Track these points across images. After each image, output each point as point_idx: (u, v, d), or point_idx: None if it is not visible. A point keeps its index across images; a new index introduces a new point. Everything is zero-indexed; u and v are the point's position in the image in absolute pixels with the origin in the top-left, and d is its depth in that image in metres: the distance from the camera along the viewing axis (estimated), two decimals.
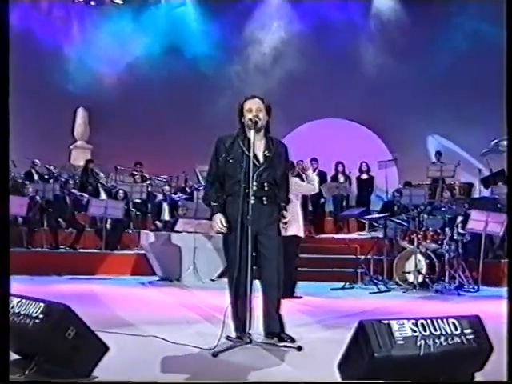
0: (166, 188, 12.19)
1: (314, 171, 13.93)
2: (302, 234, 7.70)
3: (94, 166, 13.38)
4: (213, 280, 9.96)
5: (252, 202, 4.48)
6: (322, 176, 13.92)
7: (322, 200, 13.50)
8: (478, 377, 3.38)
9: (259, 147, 4.64)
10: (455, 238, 9.54)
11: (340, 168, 13.89)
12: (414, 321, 3.27)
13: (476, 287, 9.06)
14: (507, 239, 8.88)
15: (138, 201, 12.61)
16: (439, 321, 3.33)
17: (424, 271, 9.18)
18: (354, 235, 9.87)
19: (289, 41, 16.94)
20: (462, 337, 3.30)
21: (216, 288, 9.03)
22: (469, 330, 3.34)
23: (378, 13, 16.46)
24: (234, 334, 4.67)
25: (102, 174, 13.00)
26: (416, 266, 9.16)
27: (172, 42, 16.75)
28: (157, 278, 9.97)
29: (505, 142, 14.98)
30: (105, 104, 15.65)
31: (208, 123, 15.86)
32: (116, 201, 11.47)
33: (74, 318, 3.32)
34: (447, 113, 15.02)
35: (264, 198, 4.59)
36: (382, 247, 9.99)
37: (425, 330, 3.24)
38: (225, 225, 4.59)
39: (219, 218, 4.61)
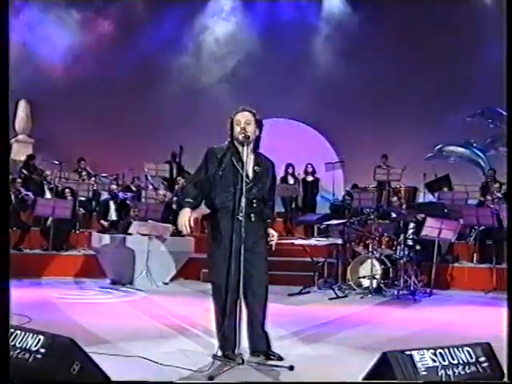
0: (113, 186, 11.80)
1: None
2: None
3: (37, 162, 12.81)
4: (166, 283, 9.82)
5: (240, 218, 4.35)
6: None
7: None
8: None
9: (248, 162, 4.51)
10: (409, 243, 9.71)
11: (290, 170, 13.88)
12: (432, 350, 3.24)
13: (429, 291, 9.25)
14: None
15: (83, 199, 12.18)
16: (455, 349, 3.32)
17: (379, 276, 9.31)
18: (313, 241, 9.85)
19: (238, 41, 16.76)
20: (478, 365, 3.31)
21: (171, 292, 8.97)
22: (483, 358, 3.35)
23: (330, 14, 16.52)
24: (219, 353, 4.52)
25: (47, 172, 12.44)
26: (371, 271, 9.27)
27: (120, 34, 16.24)
28: (108, 281, 9.68)
29: (449, 148, 15.47)
30: (48, 97, 15.02)
31: (155, 118, 15.56)
32: (65, 200, 11.02)
33: (78, 352, 3.09)
34: (394, 116, 15.24)
35: (252, 215, 4.48)
36: (333, 252, 10.04)
37: (444, 360, 3.22)
38: (191, 225, 4.42)
39: (188, 215, 4.40)
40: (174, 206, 12.38)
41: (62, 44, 16.02)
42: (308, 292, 9.14)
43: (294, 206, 13.52)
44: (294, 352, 4.91)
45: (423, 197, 13.82)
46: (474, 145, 15.39)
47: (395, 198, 12.06)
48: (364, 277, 9.56)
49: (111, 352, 4.56)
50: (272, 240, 4.65)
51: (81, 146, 14.48)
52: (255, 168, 4.53)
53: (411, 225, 10.22)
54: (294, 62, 15.95)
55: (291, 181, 13.81)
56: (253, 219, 4.47)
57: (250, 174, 4.49)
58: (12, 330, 3.18)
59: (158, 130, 15.44)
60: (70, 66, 16.04)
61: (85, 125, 14.92)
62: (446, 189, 12.96)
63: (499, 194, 11.97)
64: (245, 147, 4.42)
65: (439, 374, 3.15)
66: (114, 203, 11.34)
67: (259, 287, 4.52)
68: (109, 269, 9.66)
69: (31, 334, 3.12)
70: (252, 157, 4.56)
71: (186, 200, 4.48)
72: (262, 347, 4.58)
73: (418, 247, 9.82)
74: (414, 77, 15.12)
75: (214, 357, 4.49)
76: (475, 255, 10.97)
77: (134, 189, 13.08)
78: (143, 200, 12.23)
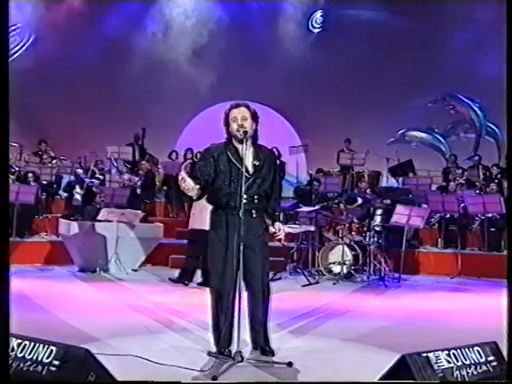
0: (79, 171, 11.51)
1: None
2: None
3: None
4: (135, 270, 9.71)
5: (241, 215, 4.29)
6: None
7: None
8: None
9: (248, 157, 4.43)
10: (378, 229, 9.81)
11: None
12: (447, 351, 3.29)
13: (398, 276, 9.40)
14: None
15: (44, 182, 11.85)
16: (467, 350, 3.37)
17: (349, 262, 9.41)
18: (286, 228, 9.84)
19: (203, 20, 16.49)
20: (488, 364, 3.38)
21: (144, 280, 8.88)
22: (492, 357, 3.42)
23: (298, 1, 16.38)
24: (214, 349, 4.49)
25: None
26: (342, 257, 9.36)
27: (82, 11, 15.73)
28: (76, 269, 9.48)
29: (412, 133, 15.68)
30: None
31: (118, 98, 15.22)
32: (28, 185, 10.68)
33: (93, 362, 2.98)
34: (357, 101, 15.32)
35: (253, 211, 4.43)
36: (303, 237, 10.07)
37: (457, 361, 3.28)
38: (191, 185, 4.29)
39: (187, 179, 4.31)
40: (139, 191, 12.21)
41: (24, 27, 15.44)
42: (279, 278, 9.15)
43: None
44: (286, 346, 4.91)
45: (386, 181, 13.98)
46: (436, 130, 15.64)
47: (364, 184, 12.17)
48: (334, 263, 9.65)
49: (103, 350, 4.44)
50: (279, 234, 4.58)
51: (41, 127, 14.05)
52: (254, 162, 4.45)
53: (378, 211, 10.31)
54: (261, 45, 15.79)
55: None
56: (254, 215, 4.41)
57: (250, 169, 4.42)
58: (20, 341, 3.04)
59: (120, 110, 15.11)
60: (31, 44, 15.49)
61: (45, 105, 14.46)
62: (410, 174, 13.14)
63: (462, 180, 12.23)
64: (244, 144, 4.35)
65: (455, 375, 3.19)
66: (80, 188, 11.07)
67: (258, 284, 4.48)
68: (77, 256, 9.46)
69: (42, 345, 2.99)
70: (251, 150, 4.47)
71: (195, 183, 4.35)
72: (260, 343, 4.57)
73: (386, 233, 9.94)
74: (377, 62, 15.18)
75: (210, 353, 4.46)
76: (439, 240, 11.20)
77: (97, 172, 12.79)
78: (107, 184, 11.98)
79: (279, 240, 4.76)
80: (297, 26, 16.10)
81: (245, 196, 4.32)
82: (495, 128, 15.19)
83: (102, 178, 12.32)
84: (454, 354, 3.28)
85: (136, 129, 14.47)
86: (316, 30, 16.16)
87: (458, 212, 10.68)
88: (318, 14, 15.94)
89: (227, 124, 4.48)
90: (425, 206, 11.07)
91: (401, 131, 15.54)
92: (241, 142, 4.38)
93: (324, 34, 15.65)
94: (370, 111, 14.96)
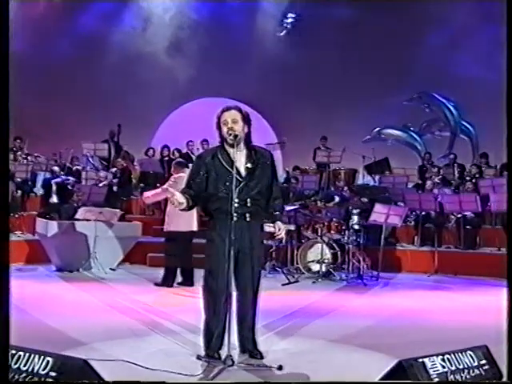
0: (56, 168, 11.35)
1: None
2: (196, 228, 8.04)
3: None
4: (113, 269, 9.65)
5: (235, 219, 4.28)
6: None
7: None
8: None
9: (240, 160, 4.41)
10: (356, 228, 9.87)
11: None
12: (441, 356, 3.32)
13: (376, 275, 9.48)
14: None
15: (19, 180, 11.66)
16: (459, 354, 3.41)
17: (328, 261, 9.47)
18: (266, 227, 9.85)
19: (181, 17, 16.37)
20: (480, 368, 3.43)
21: (124, 280, 8.83)
22: (484, 361, 3.47)
23: None
24: (202, 352, 4.47)
25: None
26: (321, 255, 9.41)
27: (58, 5, 15.48)
28: (54, 268, 9.38)
29: (387, 131, 15.79)
30: None
31: (94, 93, 15.04)
32: None
33: (91, 373, 2.94)
34: (334, 98, 15.38)
35: (247, 215, 4.38)
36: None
37: (451, 365, 3.32)
38: (180, 201, 4.30)
39: (178, 194, 4.32)
40: (115, 188, 12.11)
41: None
42: None
43: None
44: (274, 348, 4.90)
45: (362, 179, 14.06)
46: (411, 128, 15.78)
47: (341, 182, 12.23)
48: (313, 261, 9.70)
49: (92, 355, 4.38)
50: (279, 234, 4.54)
51: (15, 123, 13.77)
52: (247, 165, 4.40)
53: (356, 210, 10.36)
54: (239, 42, 15.74)
55: None
56: (248, 219, 4.37)
57: (242, 172, 4.37)
58: (14, 352, 2.98)
59: (96, 106, 14.94)
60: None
61: (19, 101, 14.16)
62: (387, 172, 13.24)
63: (437, 180, 12.35)
64: (235, 147, 4.33)
65: (449, 379, 3.23)
66: (56, 186, 10.92)
67: (248, 289, 4.46)
68: (55, 255, 9.36)
69: (37, 356, 2.93)
70: (244, 153, 4.43)
71: (185, 195, 4.37)
72: (248, 346, 4.57)
73: (364, 231, 10.01)
74: (353, 61, 15.27)
75: (199, 357, 4.45)
76: (416, 238, 11.32)
77: (73, 169, 12.64)
78: (83, 182, 11.86)
79: (280, 240, 4.73)
80: (275, 24, 16.07)
81: (237, 200, 4.30)
82: (469, 127, 15.38)
83: (77, 175, 12.18)
84: (448, 359, 3.32)
85: (112, 125, 14.33)
86: (288, 28, 16.11)
87: (434, 210, 10.81)
88: (293, 14, 15.91)
89: (219, 128, 4.44)
90: (401, 204, 11.19)
91: (376, 129, 15.65)
92: (232, 145, 4.35)
93: (301, 33, 15.62)
94: (346, 109, 15.04)
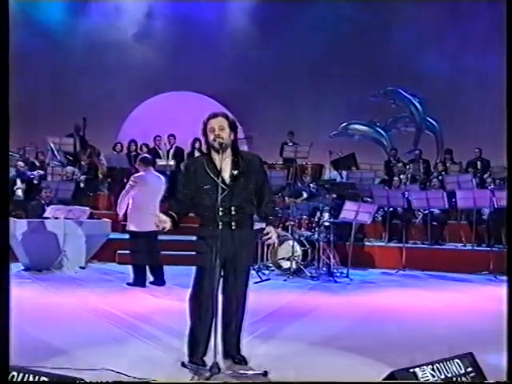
0: (20, 163, 11.11)
1: (171, 148, 13.72)
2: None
3: None
4: (83, 268, 9.54)
5: (220, 227, 4.28)
6: (180, 153, 13.72)
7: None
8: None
9: (226, 167, 4.38)
10: (327, 225, 9.96)
11: (197, 145, 13.71)
12: (431, 366, 3.38)
13: (346, 271, 9.59)
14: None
15: None
16: (448, 363, 3.48)
17: (298, 258, 9.52)
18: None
19: (148, 10, 16.16)
20: (467, 376, 3.51)
21: (95, 279, 8.75)
22: (470, 369, 3.55)
23: None
24: (186, 359, 4.47)
25: None
26: (292, 252, 9.46)
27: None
28: (22, 267, 9.22)
29: (354, 126, 15.93)
30: None
31: (58, 86, 14.76)
32: None
33: None
34: (301, 94, 15.44)
35: (232, 223, 4.36)
36: None
37: (440, 374, 3.38)
38: (162, 219, 4.30)
39: (162, 217, 4.33)
40: (82, 185, 11.94)
41: None
42: None
43: None
44: (256, 352, 4.88)
45: (329, 174, 14.17)
46: (377, 124, 15.95)
47: (308, 178, 12.30)
48: (284, 258, 9.75)
49: (74, 364, 4.35)
50: (269, 238, 4.50)
51: None
52: (233, 172, 4.36)
53: (326, 206, 10.44)
54: (207, 36, 15.63)
55: None
56: (233, 227, 4.35)
57: (227, 180, 4.34)
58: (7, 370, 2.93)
59: (61, 99, 14.67)
60: None
61: None
62: (353, 168, 13.36)
63: (404, 177, 12.52)
64: (220, 154, 4.31)
65: None
66: (22, 182, 10.71)
67: (234, 297, 4.47)
68: (23, 254, 9.17)
69: (31, 375, 2.87)
70: (229, 160, 4.39)
71: (169, 212, 4.38)
72: (232, 352, 4.57)
73: (334, 228, 10.10)
74: (320, 57, 15.34)
75: (184, 365, 4.44)
76: (383, 234, 11.49)
77: (38, 165, 12.40)
78: (49, 178, 11.66)
79: (273, 245, 4.71)
80: (245, 19, 15.99)
81: (221, 208, 4.28)
82: (434, 123, 15.62)
83: (42, 170, 11.96)
84: (437, 368, 3.40)
85: (77, 119, 14.08)
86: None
87: (402, 207, 10.98)
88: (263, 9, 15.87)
89: (205, 134, 4.42)
90: (368, 199, 11.36)
91: (343, 124, 15.77)
92: (218, 152, 4.33)
93: (270, 28, 15.62)
94: (312, 104, 15.12)
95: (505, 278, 9.32)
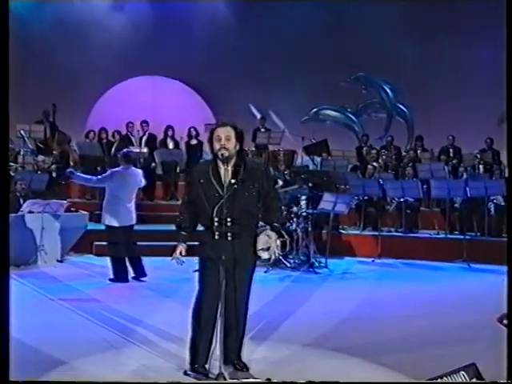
0: None
1: (144, 134, 13.58)
2: (134, 222, 8.12)
3: None
4: (60, 261, 9.46)
5: (216, 237, 4.30)
6: (152, 139, 13.59)
7: (153, 165, 13.17)
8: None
9: (227, 176, 4.36)
10: (305, 215, 10.02)
11: (170, 132, 13.61)
12: (439, 379, 3.47)
13: (324, 261, 9.69)
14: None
15: None
16: (454, 375, 3.58)
17: (277, 249, 9.55)
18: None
19: None
20: None
21: (76, 274, 8.68)
22: (474, 379, 3.66)
23: None
24: (188, 367, 4.50)
25: None
26: (269, 243, 9.48)
27: None
28: None
29: (325, 111, 15.97)
30: None
31: (25, 72, 14.34)
32: None
33: None
34: (272, 79, 15.39)
35: (228, 234, 4.34)
36: None
37: None
38: (183, 255, 4.39)
39: (180, 249, 4.40)
40: (54, 174, 11.72)
41: None
42: None
43: (178, 170, 13.39)
44: (254, 357, 4.92)
45: (301, 160, 14.21)
46: (348, 110, 16.01)
47: (283, 166, 12.33)
48: (262, 249, 9.76)
49: (76, 376, 4.35)
50: (268, 248, 4.60)
51: None
52: (231, 181, 4.29)
53: (303, 196, 10.50)
54: (181, 20, 15.38)
55: (171, 144, 13.58)
56: (229, 238, 4.34)
57: (224, 190, 4.28)
58: None
59: (29, 84, 14.28)
60: None
61: None
62: (325, 154, 13.43)
63: (375, 164, 12.62)
64: (225, 164, 4.30)
65: None
66: None
67: (233, 306, 4.48)
68: None
69: None
70: (231, 169, 4.33)
71: (181, 233, 4.41)
72: (233, 359, 4.60)
73: (311, 218, 10.18)
74: (291, 42, 15.30)
75: (186, 373, 4.48)
76: (358, 222, 11.65)
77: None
78: (19, 168, 11.41)
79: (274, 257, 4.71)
80: (218, 4, 15.79)
81: (216, 219, 4.29)
82: (405, 109, 15.77)
83: (14, 160, 11.71)
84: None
85: (45, 104, 13.77)
86: None
87: (377, 195, 11.12)
88: None
89: (211, 142, 4.39)
90: (342, 186, 11.51)
91: (314, 110, 15.79)
92: (222, 162, 4.32)
93: (243, 14, 15.49)
94: (283, 89, 15.10)
95: (480, 266, 9.73)
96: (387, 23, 14.93)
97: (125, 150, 8.73)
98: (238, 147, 4.40)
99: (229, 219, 4.30)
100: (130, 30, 15.56)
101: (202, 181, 4.36)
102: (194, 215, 4.43)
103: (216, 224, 4.28)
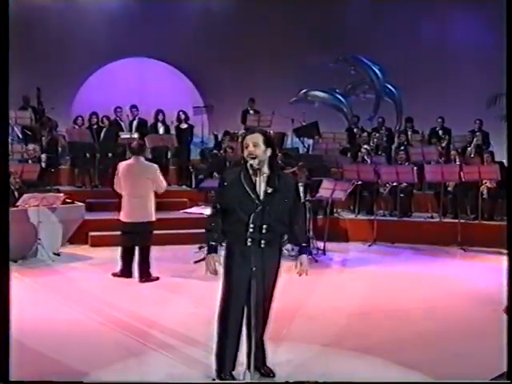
0: None
1: (134, 119, 13.39)
2: (154, 219, 7.83)
3: None
4: (57, 254, 9.34)
5: (249, 244, 4.28)
6: (143, 124, 13.42)
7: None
8: None
9: (260, 184, 4.31)
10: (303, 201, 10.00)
11: (160, 117, 13.43)
12: None
13: (322, 248, 9.73)
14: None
15: None
16: None
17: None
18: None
19: None
20: None
21: (78, 268, 8.63)
22: None
23: None
24: (215, 375, 4.51)
25: None
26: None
27: None
28: None
29: (313, 93, 15.89)
30: None
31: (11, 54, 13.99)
32: None
33: None
34: (261, 60, 15.26)
35: (262, 241, 4.33)
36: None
37: None
38: (217, 267, 4.37)
39: (213, 261, 4.37)
40: (44, 165, 11.49)
41: None
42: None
43: (169, 156, 13.29)
44: (275, 361, 4.91)
45: (291, 142, 14.19)
46: (337, 90, 15.96)
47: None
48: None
49: None
50: (300, 272, 4.53)
51: None
52: (267, 190, 4.30)
53: (301, 182, 10.46)
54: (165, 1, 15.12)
55: (161, 128, 13.43)
56: (262, 245, 4.32)
57: (261, 196, 4.28)
58: None
59: (11, 67, 13.93)
60: None
61: None
62: (316, 137, 13.41)
63: (367, 147, 12.62)
64: (257, 172, 4.25)
65: None
66: None
67: (261, 311, 4.48)
68: None
69: None
70: (265, 177, 4.31)
71: (211, 243, 4.35)
72: (257, 364, 4.61)
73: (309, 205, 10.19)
74: (279, 23, 15.16)
75: (214, 381, 4.49)
76: (352, 207, 11.68)
77: None
78: (10, 156, 11.18)
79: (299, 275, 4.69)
80: None
81: (252, 225, 4.27)
82: (393, 89, 15.78)
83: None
84: None
85: (29, 89, 13.46)
86: None
87: (371, 180, 11.14)
88: None
89: (243, 149, 4.37)
90: (335, 169, 11.55)
91: (303, 91, 15.72)
92: (252, 169, 4.28)
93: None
94: (271, 70, 14.98)
95: (475, 248, 9.90)
96: (376, 4, 14.84)
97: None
98: (268, 153, 4.37)
99: (265, 226, 4.30)
100: (119, 12, 15.25)
101: (235, 189, 4.32)
102: (221, 224, 4.39)
103: (251, 230, 4.25)
